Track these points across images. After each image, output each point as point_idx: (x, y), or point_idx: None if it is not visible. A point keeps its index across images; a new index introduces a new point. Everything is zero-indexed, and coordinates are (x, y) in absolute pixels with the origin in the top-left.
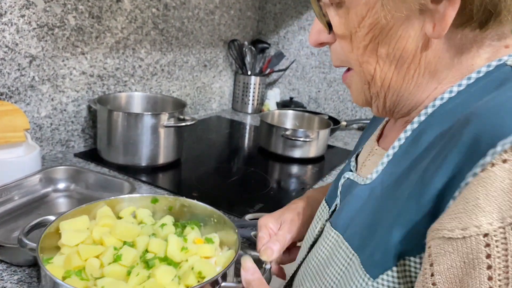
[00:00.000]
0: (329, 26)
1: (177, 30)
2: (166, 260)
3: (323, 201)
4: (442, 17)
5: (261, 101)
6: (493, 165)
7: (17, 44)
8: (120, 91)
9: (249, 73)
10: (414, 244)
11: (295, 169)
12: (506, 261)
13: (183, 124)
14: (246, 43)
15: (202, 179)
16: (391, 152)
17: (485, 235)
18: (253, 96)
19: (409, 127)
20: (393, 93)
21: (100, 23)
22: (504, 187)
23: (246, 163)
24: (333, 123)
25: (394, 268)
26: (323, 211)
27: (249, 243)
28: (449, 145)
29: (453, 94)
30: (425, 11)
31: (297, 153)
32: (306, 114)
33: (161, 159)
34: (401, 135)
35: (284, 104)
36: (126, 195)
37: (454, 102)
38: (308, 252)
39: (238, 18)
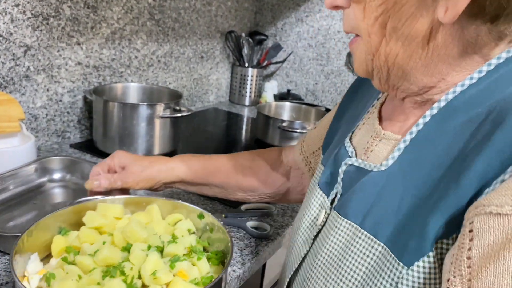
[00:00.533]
0: None
1: (174, 21)
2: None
3: (318, 190)
4: (456, 2)
5: (259, 93)
6: None
7: (11, 34)
8: (116, 82)
9: (246, 65)
10: (450, 227)
11: None
12: None
13: (179, 115)
14: (243, 34)
15: None
16: (408, 137)
17: None
18: (251, 88)
19: (428, 112)
20: (398, 69)
21: (96, 13)
22: None
23: None
24: None
25: (431, 254)
26: (321, 200)
27: (244, 232)
28: (490, 131)
29: (473, 81)
30: None
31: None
32: (303, 106)
33: (157, 150)
34: (420, 121)
35: (281, 96)
36: (179, 201)
37: (477, 88)
38: (311, 245)
39: (235, 10)
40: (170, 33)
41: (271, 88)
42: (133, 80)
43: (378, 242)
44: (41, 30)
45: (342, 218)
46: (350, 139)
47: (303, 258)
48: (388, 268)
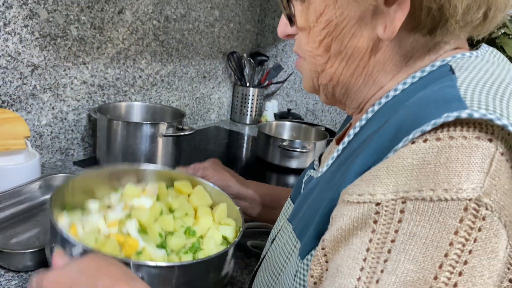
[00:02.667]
0: (290, 19)
1: (177, 42)
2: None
3: (288, 199)
4: (393, 19)
5: (259, 112)
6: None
7: (19, 53)
8: (120, 101)
9: (247, 84)
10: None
11: (292, 179)
12: (388, 228)
13: (182, 133)
14: (245, 55)
15: None
16: (341, 147)
17: (377, 204)
18: (252, 107)
19: (357, 123)
20: (341, 87)
21: (102, 34)
22: (405, 164)
23: (244, 173)
24: (329, 135)
25: (316, 248)
26: (288, 208)
27: (244, 251)
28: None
29: (397, 92)
30: (378, 13)
31: (294, 164)
32: (303, 125)
33: None
34: (351, 131)
35: (282, 116)
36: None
37: (395, 99)
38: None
39: (237, 31)
40: (174, 53)
41: (271, 107)
42: (137, 99)
43: (297, 239)
44: (48, 50)
45: (287, 221)
46: (322, 153)
47: (261, 261)
48: (294, 261)
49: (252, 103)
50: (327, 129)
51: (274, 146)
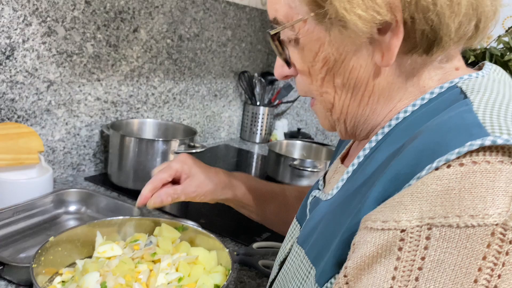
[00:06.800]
0: (287, 63)
1: (190, 61)
2: None
3: (294, 220)
4: (389, 47)
5: (269, 131)
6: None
7: (36, 70)
8: (132, 118)
9: (258, 103)
10: (348, 250)
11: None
12: (414, 255)
13: (193, 151)
14: (256, 74)
15: (209, 206)
16: (350, 169)
17: (403, 230)
18: (262, 126)
19: (367, 145)
20: (351, 118)
21: (117, 52)
22: (430, 190)
23: None
24: None
25: (337, 275)
26: (294, 229)
27: (255, 271)
28: (392, 160)
29: (407, 114)
30: (373, 42)
31: (304, 183)
32: (314, 145)
33: None
34: (360, 153)
35: (291, 135)
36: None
37: (407, 121)
38: (279, 271)
39: (249, 51)
40: (186, 72)
41: (281, 127)
42: (149, 116)
43: (311, 265)
44: (64, 67)
45: (297, 244)
46: (326, 173)
47: (271, 283)
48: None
49: (262, 122)
50: None
51: (285, 165)
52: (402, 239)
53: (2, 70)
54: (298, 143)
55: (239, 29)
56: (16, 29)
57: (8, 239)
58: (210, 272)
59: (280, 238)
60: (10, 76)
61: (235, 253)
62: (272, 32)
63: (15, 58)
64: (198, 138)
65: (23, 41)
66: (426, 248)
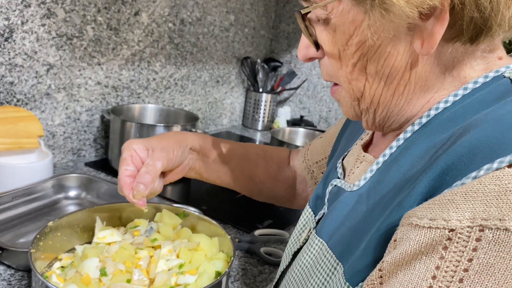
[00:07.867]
0: (316, 45)
1: (192, 46)
2: None
3: (307, 207)
4: (431, 34)
5: (272, 118)
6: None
7: (36, 52)
8: (133, 103)
9: (260, 90)
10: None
11: None
12: (460, 256)
13: None
14: (258, 60)
15: (211, 193)
16: (381, 160)
17: (451, 230)
18: (264, 113)
19: (402, 135)
20: (383, 109)
21: (118, 35)
22: (486, 191)
23: None
24: None
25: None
26: (308, 218)
27: (257, 258)
28: (440, 154)
29: (448, 104)
30: (414, 28)
31: None
32: (317, 132)
33: None
34: (393, 144)
35: (294, 122)
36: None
37: (450, 112)
38: (292, 260)
39: (252, 36)
40: (188, 57)
41: (284, 114)
42: (150, 101)
43: (337, 261)
44: (64, 50)
45: (316, 236)
46: (343, 159)
47: (283, 273)
48: (339, 285)
49: (264, 109)
50: None
51: None
52: (449, 239)
53: (0, 52)
54: (301, 130)
55: (242, 13)
56: (14, 10)
57: (8, 224)
58: (212, 259)
59: (282, 225)
60: (9, 59)
61: (237, 240)
62: (304, 11)
63: (14, 40)
64: (200, 125)
65: (22, 23)
66: (475, 250)
